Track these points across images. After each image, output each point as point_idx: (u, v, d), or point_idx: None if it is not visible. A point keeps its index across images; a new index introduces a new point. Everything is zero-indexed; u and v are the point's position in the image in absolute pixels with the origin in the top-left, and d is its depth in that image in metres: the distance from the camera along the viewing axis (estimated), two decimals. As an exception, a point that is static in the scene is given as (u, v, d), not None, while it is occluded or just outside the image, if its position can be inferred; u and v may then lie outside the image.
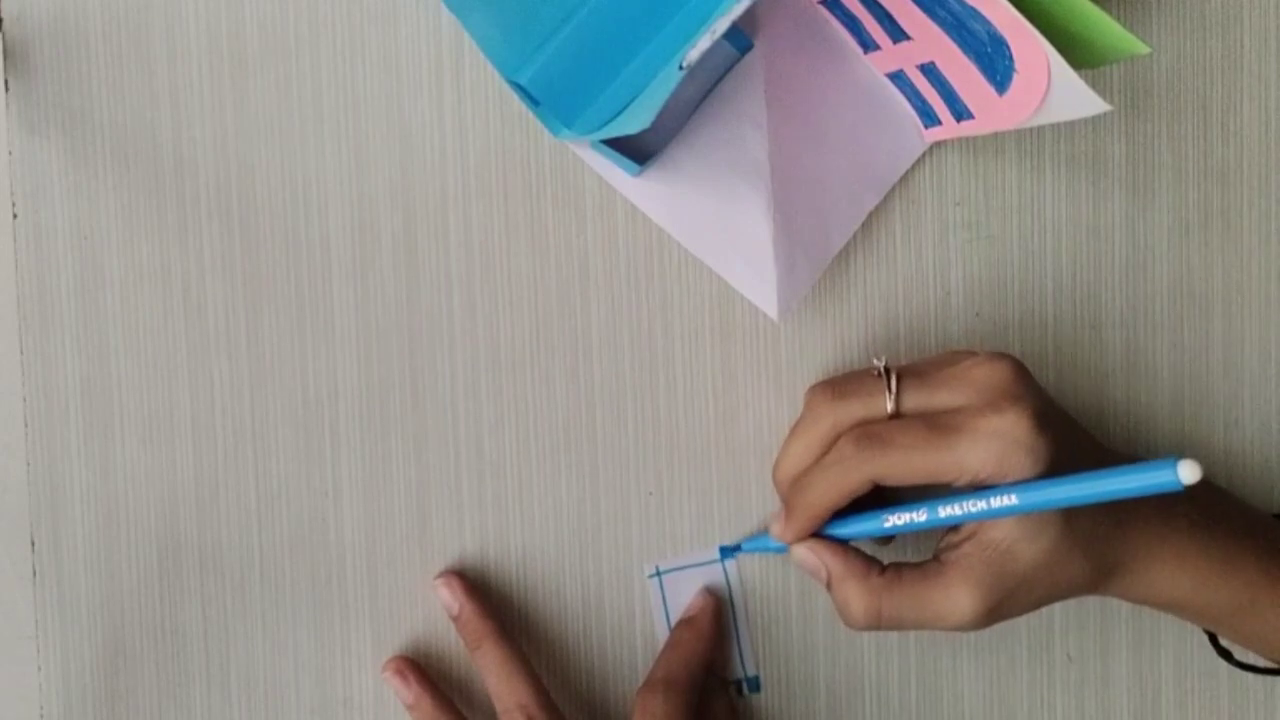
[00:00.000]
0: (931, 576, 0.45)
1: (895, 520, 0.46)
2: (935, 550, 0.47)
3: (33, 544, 0.51)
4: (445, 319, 0.51)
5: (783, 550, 0.50)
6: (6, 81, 0.49)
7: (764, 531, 0.51)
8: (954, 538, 0.46)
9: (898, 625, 0.46)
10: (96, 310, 0.50)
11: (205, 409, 0.51)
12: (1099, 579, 0.47)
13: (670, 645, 0.51)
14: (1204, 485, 0.50)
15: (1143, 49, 0.42)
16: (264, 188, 0.50)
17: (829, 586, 0.47)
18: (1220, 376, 0.54)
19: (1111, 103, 0.52)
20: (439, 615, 0.52)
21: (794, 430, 0.48)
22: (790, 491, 0.48)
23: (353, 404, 0.51)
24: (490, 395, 0.51)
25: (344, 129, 0.50)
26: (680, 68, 0.42)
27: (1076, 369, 0.53)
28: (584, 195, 0.51)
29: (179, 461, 0.51)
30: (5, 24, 0.49)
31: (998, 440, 0.43)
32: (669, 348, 0.52)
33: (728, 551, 0.52)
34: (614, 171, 0.50)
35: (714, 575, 0.53)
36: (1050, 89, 0.42)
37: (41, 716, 0.51)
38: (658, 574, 0.52)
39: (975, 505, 0.44)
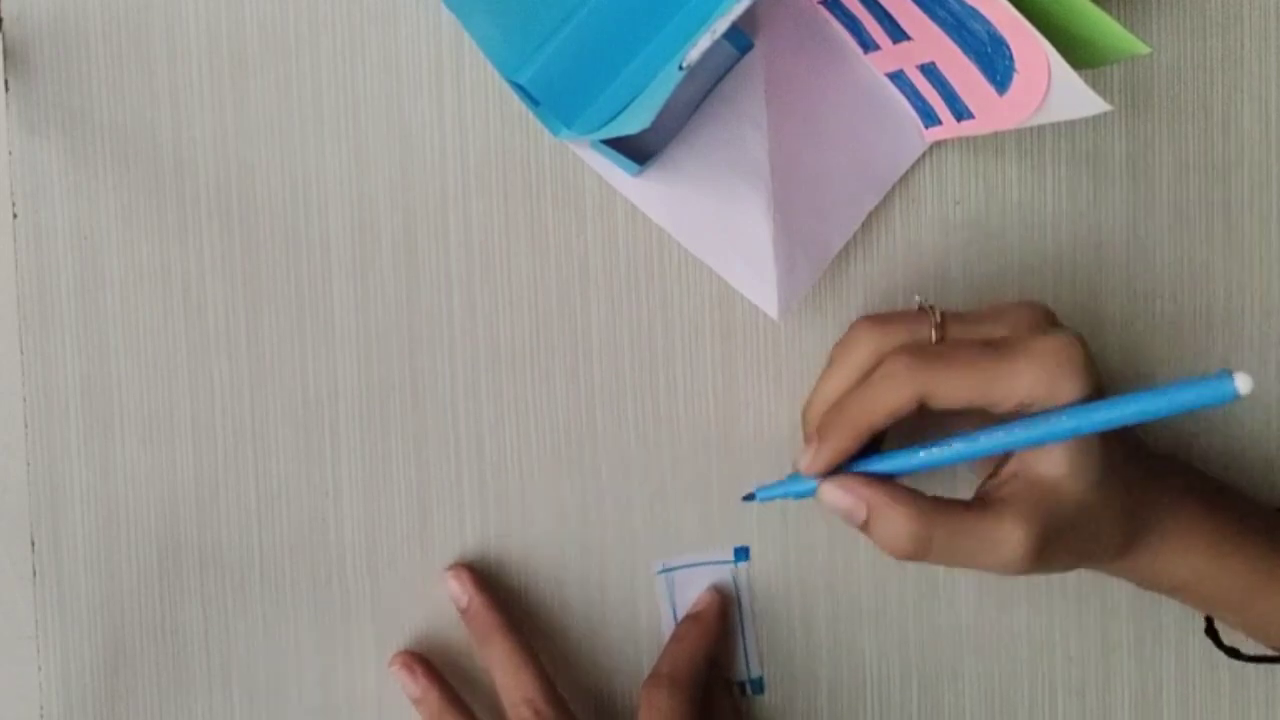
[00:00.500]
0: (980, 511, 0.44)
1: (933, 453, 0.44)
2: (977, 491, 0.45)
3: (33, 544, 0.51)
4: (445, 319, 0.51)
5: (804, 493, 0.46)
6: (6, 81, 0.49)
7: (786, 479, 0.48)
8: (997, 479, 0.45)
9: (947, 557, 0.44)
10: (96, 310, 0.50)
11: (205, 409, 0.51)
12: (1124, 545, 0.46)
13: (675, 639, 0.51)
14: (1208, 476, 0.51)
15: (1143, 49, 0.42)
16: (264, 188, 0.50)
17: (866, 525, 0.44)
18: (1220, 376, 0.54)
19: (1112, 102, 0.52)
20: (440, 614, 0.52)
21: (833, 359, 0.46)
22: (824, 419, 0.45)
23: (353, 404, 0.51)
24: (490, 395, 0.51)
25: (344, 129, 0.50)
26: (680, 68, 0.42)
27: (1076, 369, 0.53)
28: (584, 195, 0.51)
29: (179, 461, 0.51)
30: (5, 24, 0.49)
31: (1051, 358, 0.42)
32: (669, 348, 0.52)
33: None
34: (614, 171, 0.50)
35: (722, 575, 0.53)
36: (1050, 89, 0.42)
37: (41, 716, 0.51)
38: (666, 571, 0.52)
39: (1024, 433, 0.43)
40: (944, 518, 0.43)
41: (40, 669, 0.51)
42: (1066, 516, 0.44)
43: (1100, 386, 0.43)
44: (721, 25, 0.41)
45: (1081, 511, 0.44)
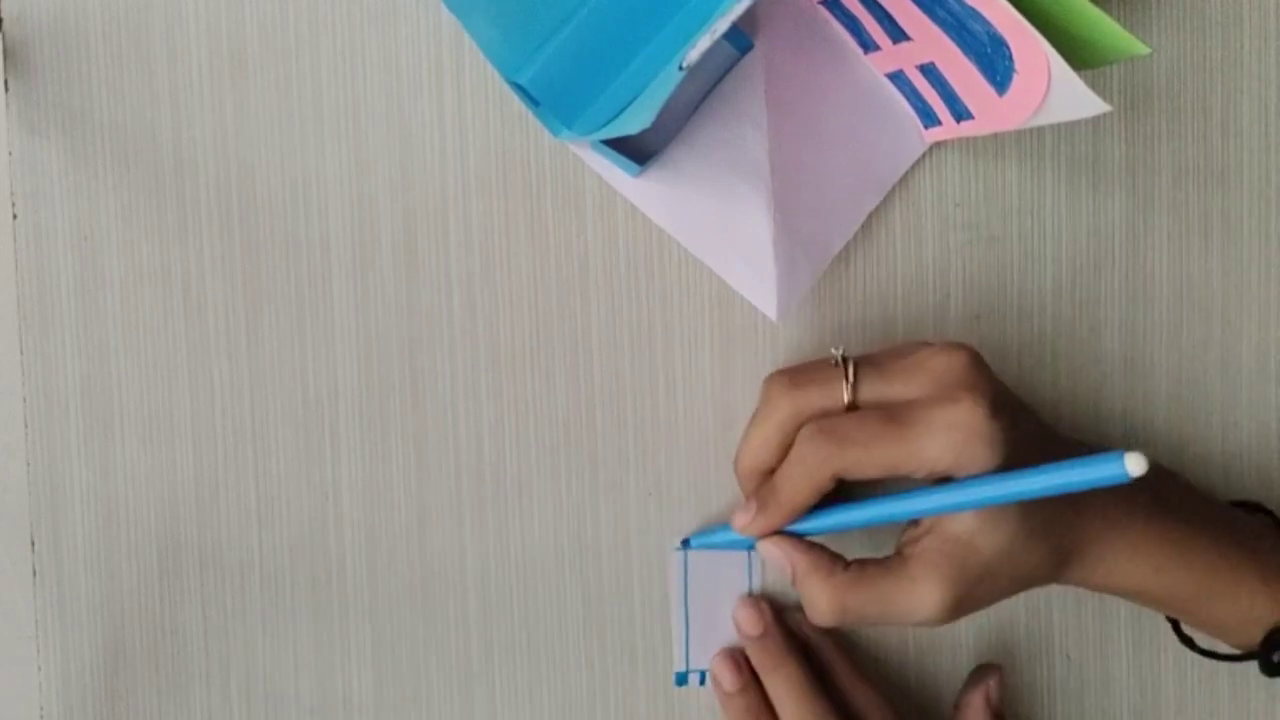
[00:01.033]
0: (895, 571, 0.45)
1: (850, 516, 0.46)
2: (897, 544, 0.47)
3: (33, 544, 0.51)
4: (445, 319, 0.51)
5: (738, 545, 0.50)
6: (6, 81, 0.49)
7: (719, 526, 0.52)
8: (915, 531, 0.46)
9: (862, 621, 0.46)
10: (96, 310, 0.50)
11: (205, 409, 0.51)
12: (1060, 567, 0.47)
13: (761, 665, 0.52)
14: (1160, 473, 0.51)
15: (1143, 50, 0.42)
16: (264, 188, 0.50)
17: (794, 582, 0.47)
18: (1219, 378, 0.54)
19: (1111, 103, 0.52)
20: (440, 614, 0.52)
21: (752, 420, 0.48)
22: (760, 491, 0.48)
23: (353, 404, 0.51)
24: (490, 395, 0.51)
25: (344, 129, 0.50)
26: (680, 68, 0.42)
27: (1075, 369, 0.53)
28: (584, 195, 0.51)
29: (179, 461, 0.51)
30: (5, 24, 0.49)
31: (954, 431, 0.43)
32: (669, 348, 0.52)
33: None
34: (614, 171, 0.50)
35: (738, 561, 0.52)
36: (1050, 89, 0.42)
37: (41, 716, 0.51)
38: (684, 548, 0.52)
39: (931, 500, 0.44)
40: (856, 587, 0.46)
41: (40, 669, 0.51)
42: (982, 567, 0.45)
43: (1007, 447, 0.44)
44: (721, 25, 0.41)
45: (998, 561, 0.45)
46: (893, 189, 0.52)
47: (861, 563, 0.46)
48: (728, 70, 0.49)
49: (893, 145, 0.51)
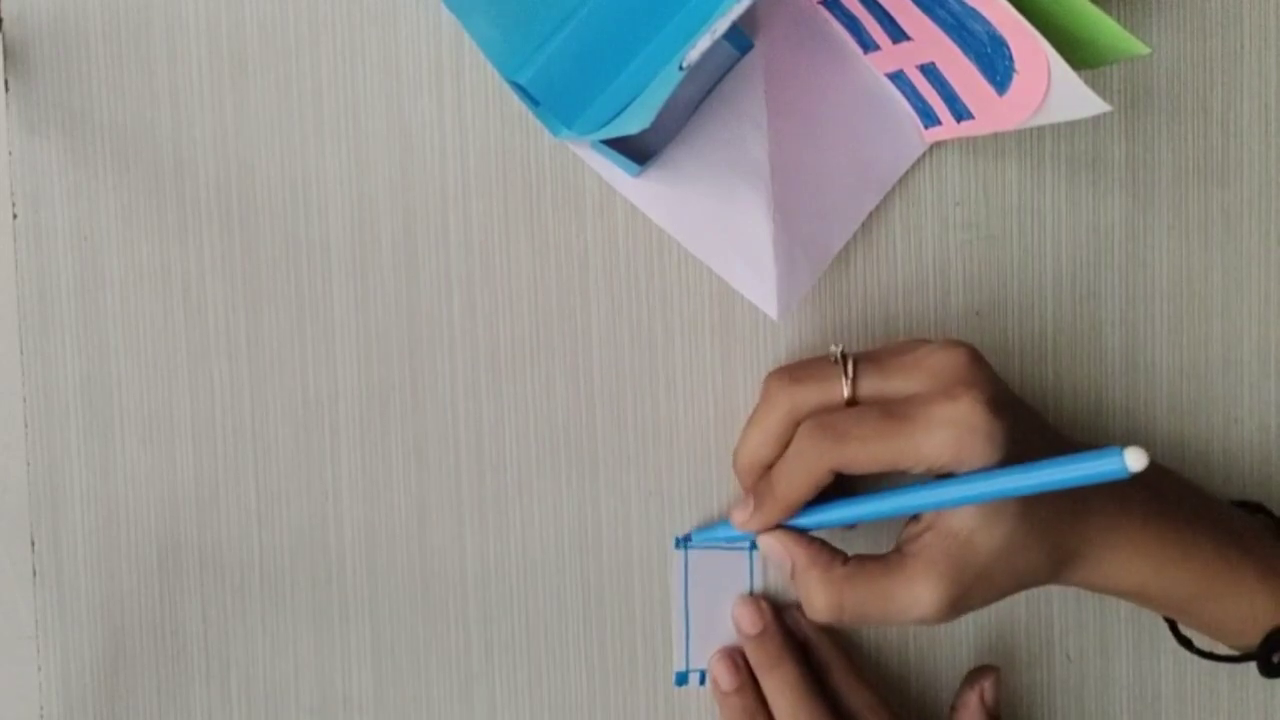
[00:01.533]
0: (893, 568, 0.45)
1: (849, 512, 0.46)
2: (897, 541, 0.47)
3: (33, 544, 0.51)
4: (445, 319, 0.51)
5: (737, 540, 0.51)
6: (6, 81, 0.49)
7: (719, 522, 0.52)
8: (914, 529, 0.46)
9: (860, 619, 0.46)
10: (96, 310, 0.50)
11: (205, 409, 0.51)
12: (1059, 567, 0.47)
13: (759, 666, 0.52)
14: (1160, 472, 0.51)
15: (1143, 49, 0.42)
16: (264, 188, 0.50)
17: (793, 577, 0.47)
18: (1219, 375, 0.54)
19: (1111, 103, 0.52)
20: (440, 614, 0.52)
21: (752, 417, 0.48)
22: (758, 486, 0.48)
23: (353, 404, 0.51)
24: (490, 395, 0.51)
25: (344, 129, 0.50)
26: (680, 68, 0.42)
27: (1075, 368, 0.54)
28: (584, 195, 0.51)
29: (179, 461, 0.51)
30: (5, 24, 0.49)
31: (953, 427, 0.43)
32: (669, 347, 0.52)
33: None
34: (614, 171, 0.50)
35: (738, 558, 0.52)
36: (1050, 89, 0.42)
37: (41, 716, 0.51)
38: (684, 546, 0.52)
39: (930, 496, 0.44)
40: (854, 584, 0.46)
41: (40, 669, 0.51)
42: (981, 565, 0.45)
43: (1006, 443, 0.44)
44: (721, 25, 0.41)
45: (997, 559, 0.45)
46: (893, 189, 0.52)
47: (860, 559, 0.46)
48: (728, 70, 0.49)
49: (893, 145, 0.51)
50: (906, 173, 0.52)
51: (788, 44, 0.50)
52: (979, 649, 0.54)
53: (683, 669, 0.53)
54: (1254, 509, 0.53)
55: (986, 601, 0.46)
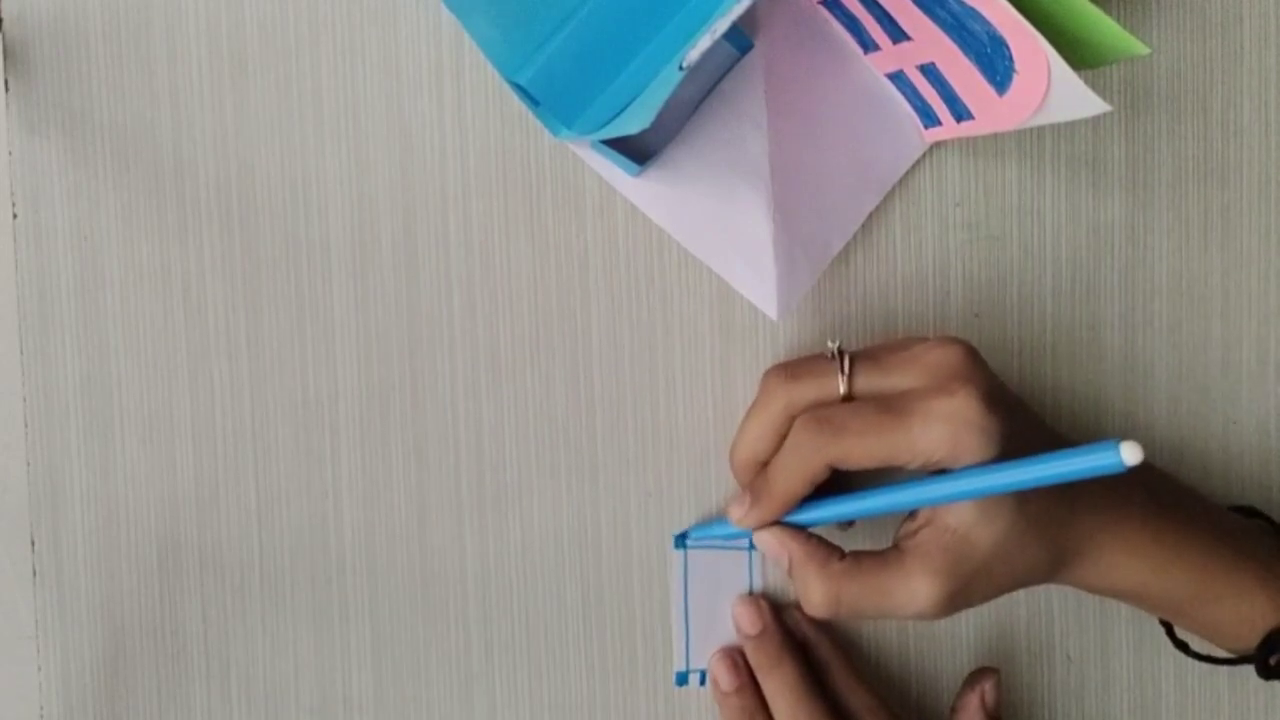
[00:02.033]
0: (890, 564, 0.45)
1: (846, 508, 0.46)
2: (894, 537, 0.47)
3: (33, 544, 0.51)
4: (445, 319, 0.51)
5: (735, 537, 0.51)
6: (6, 81, 0.49)
7: (716, 520, 0.52)
8: (911, 525, 0.46)
9: (857, 613, 0.46)
10: (96, 310, 0.50)
11: (205, 409, 0.51)
12: (1056, 565, 0.47)
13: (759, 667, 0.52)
14: (1158, 475, 0.51)
15: (1143, 49, 0.42)
16: (264, 188, 0.50)
17: (790, 573, 0.47)
18: (1219, 376, 0.54)
19: (1111, 103, 0.52)
20: (440, 614, 0.52)
21: (749, 412, 0.48)
22: (754, 481, 0.48)
23: (353, 404, 0.51)
24: (490, 395, 0.51)
25: (344, 129, 0.50)
26: (680, 68, 0.42)
27: (1075, 368, 0.54)
28: (584, 195, 0.51)
29: (179, 461, 0.51)
30: (5, 24, 0.49)
31: (949, 422, 0.43)
32: (669, 347, 0.52)
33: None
34: (614, 171, 0.50)
35: (737, 558, 0.52)
36: (1050, 89, 0.42)
37: (41, 716, 0.51)
38: (684, 546, 0.52)
39: (926, 491, 0.44)
40: (851, 578, 0.46)
41: (40, 669, 0.51)
42: (978, 561, 0.45)
43: (1002, 439, 0.44)
44: (721, 25, 0.41)
45: (994, 555, 0.45)
46: (893, 189, 0.52)
47: (857, 554, 0.46)
48: (728, 70, 0.49)
49: (893, 145, 0.51)
50: (906, 173, 0.52)
51: (788, 44, 0.50)
52: (979, 650, 0.54)
53: (683, 669, 0.53)
54: (1250, 513, 0.53)
55: (984, 598, 0.46)
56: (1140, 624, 0.54)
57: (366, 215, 0.51)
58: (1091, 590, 0.49)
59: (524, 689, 0.52)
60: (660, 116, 0.42)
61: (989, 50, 0.43)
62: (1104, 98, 0.40)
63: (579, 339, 0.52)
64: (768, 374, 0.48)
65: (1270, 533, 0.52)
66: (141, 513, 0.51)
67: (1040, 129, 0.53)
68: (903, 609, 0.45)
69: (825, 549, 0.47)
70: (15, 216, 0.50)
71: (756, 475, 0.48)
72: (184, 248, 0.50)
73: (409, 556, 0.52)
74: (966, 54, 0.44)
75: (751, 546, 0.52)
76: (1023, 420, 0.47)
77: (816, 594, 0.46)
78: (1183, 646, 0.52)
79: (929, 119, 0.50)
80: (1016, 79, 0.43)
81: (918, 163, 0.52)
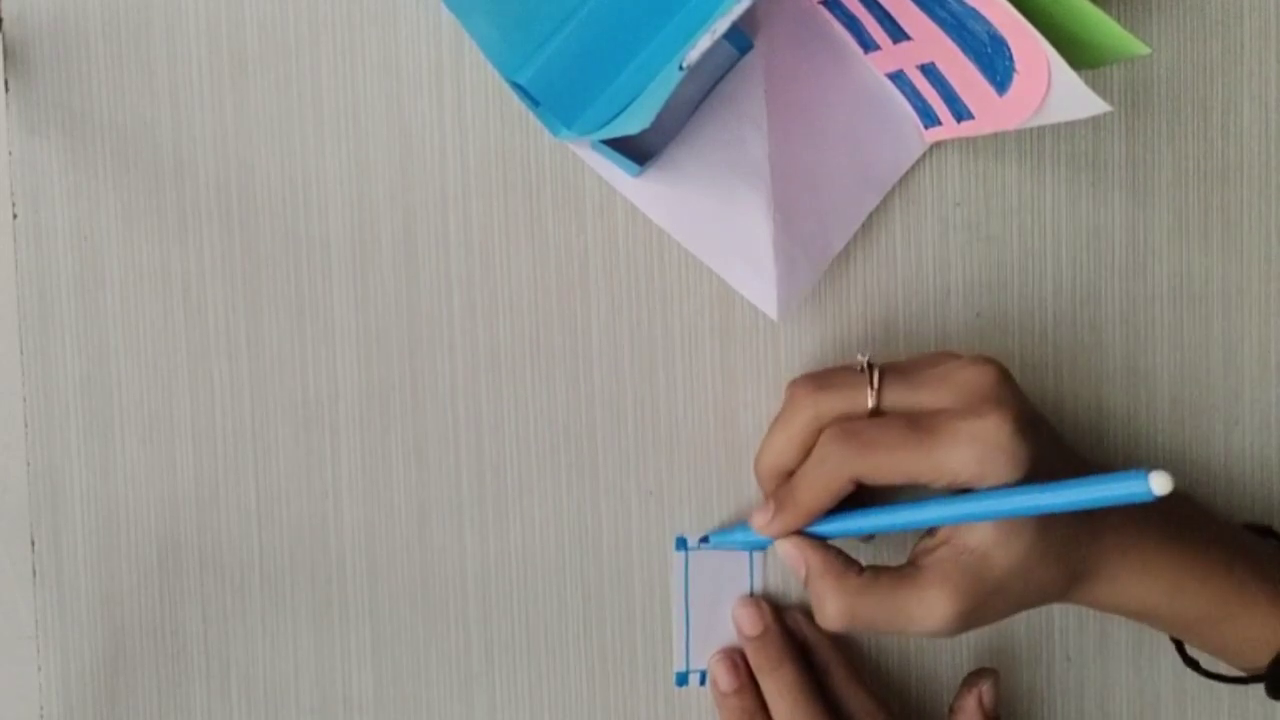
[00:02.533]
0: (907, 580, 0.45)
1: (869, 521, 0.46)
2: (911, 554, 0.47)
3: (33, 544, 0.51)
4: (445, 319, 0.51)
5: (754, 545, 0.51)
6: (6, 81, 0.49)
7: (737, 525, 0.52)
8: (930, 542, 0.46)
9: (871, 628, 0.46)
10: (96, 310, 0.50)
11: (205, 409, 0.51)
12: (1072, 586, 0.47)
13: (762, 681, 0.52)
14: (1174, 494, 0.50)
15: (1143, 49, 0.42)
16: (264, 188, 0.50)
17: (806, 583, 0.47)
18: (1220, 377, 0.54)
19: (1111, 103, 0.52)
20: (440, 614, 0.52)
21: (775, 422, 0.48)
22: (779, 491, 0.48)
23: (353, 404, 0.51)
24: (490, 396, 0.51)
25: (344, 129, 0.50)
26: (680, 68, 0.42)
27: (1076, 369, 0.53)
28: (584, 195, 0.51)
29: (179, 461, 0.51)
30: (5, 24, 0.49)
31: (978, 444, 0.43)
32: (669, 348, 0.52)
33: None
34: (614, 171, 0.50)
35: (738, 560, 0.52)
36: (1050, 89, 0.42)
37: (41, 716, 0.51)
38: (701, 546, 0.52)
39: (950, 509, 0.44)
40: (867, 593, 0.45)
41: (40, 669, 0.51)
42: (996, 581, 0.45)
43: (1030, 463, 0.44)
44: (721, 25, 0.41)
45: (1012, 575, 0.45)
46: (893, 189, 0.52)
47: (875, 569, 0.46)
48: (728, 70, 0.49)
49: (893, 145, 0.51)
50: (906, 173, 0.52)
51: (788, 44, 0.50)
52: (978, 651, 0.54)
53: (683, 669, 0.53)
54: (1263, 532, 0.53)
55: (998, 617, 0.46)
56: (1140, 626, 0.54)
57: (366, 215, 0.51)
58: (1103, 609, 0.49)
59: (524, 689, 0.52)
60: (660, 116, 0.42)
61: (989, 50, 0.43)
62: (1104, 98, 0.40)
63: (579, 339, 0.52)
64: (795, 384, 0.48)
65: None
66: (141, 513, 0.51)
67: (1040, 129, 0.53)
68: (916, 626, 0.45)
69: (843, 562, 0.47)
70: (15, 216, 0.50)
71: (781, 484, 0.48)
72: (184, 248, 0.50)
73: (409, 556, 0.52)
74: (966, 54, 0.44)
75: (759, 548, 0.52)
76: (1050, 444, 0.47)
77: (831, 607, 0.46)
78: (1193, 664, 0.52)
79: (929, 119, 0.50)
80: (1016, 79, 0.43)
81: (918, 163, 0.52)
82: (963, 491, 0.44)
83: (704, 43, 0.42)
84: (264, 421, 0.51)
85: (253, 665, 0.52)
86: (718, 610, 0.53)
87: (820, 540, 0.47)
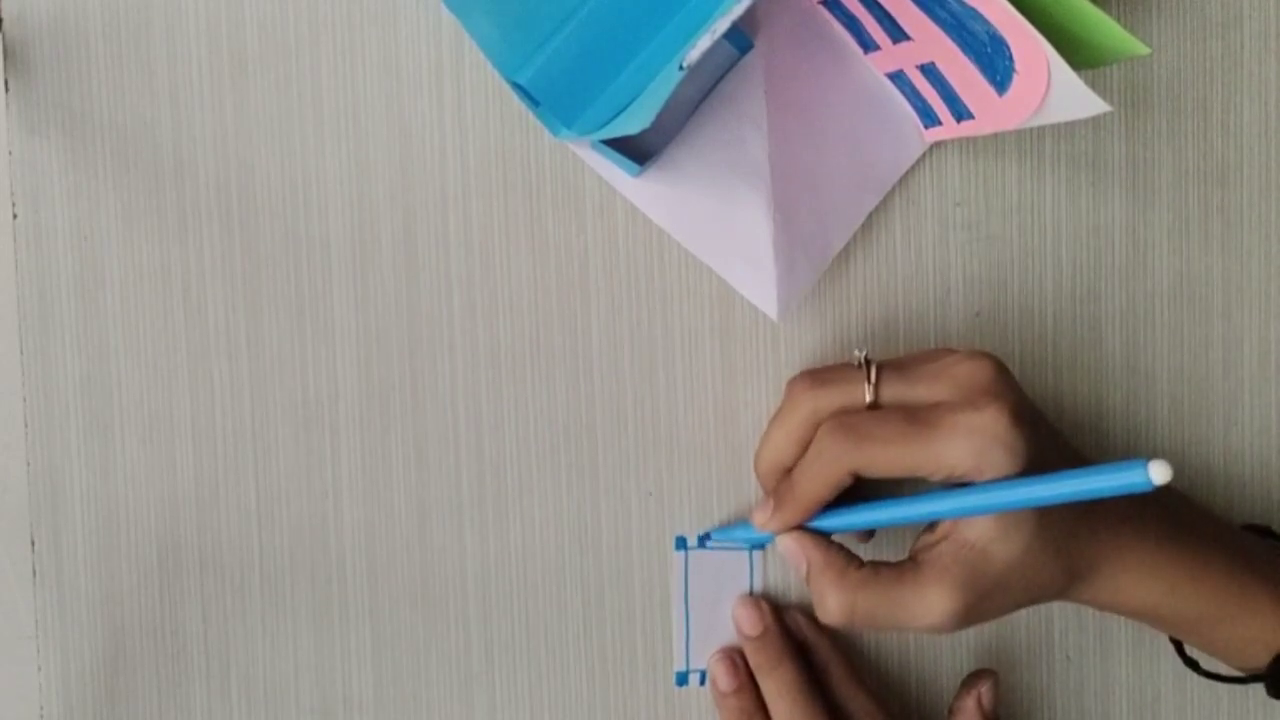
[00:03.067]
0: (907, 576, 0.45)
1: (869, 516, 0.46)
2: (911, 549, 0.47)
3: (33, 544, 0.51)
4: (445, 319, 0.51)
5: (755, 542, 0.51)
6: (6, 81, 0.49)
7: (738, 523, 0.52)
8: (930, 537, 0.46)
9: (871, 623, 0.46)
10: (96, 310, 0.50)
11: (205, 409, 0.51)
12: (1072, 582, 0.47)
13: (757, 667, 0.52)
14: (1174, 494, 0.51)
15: (1143, 50, 0.42)
16: (264, 188, 0.50)
17: (807, 579, 0.47)
18: (1220, 376, 0.54)
19: (1111, 103, 0.52)
20: (440, 614, 0.52)
21: (774, 419, 0.48)
22: (778, 486, 0.48)
23: (353, 404, 0.51)
24: (490, 396, 0.51)
25: (344, 129, 0.50)
26: (680, 68, 0.42)
27: (1076, 369, 0.54)
28: (584, 195, 0.51)
29: (179, 461, 0.51)
30: (5, 24, 0.49)
31: (976, 436, 0.43)
32: (669, 348, 0.52)
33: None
34: (614, 171, 0.50)
35: (738, 559, 0.52)
36: (1050, 89, 0.42)
37: (41, 716, 0.51)
38: (685, 547, 0.52)
39: (949, 503, 0.44)
40: (867, 588, 0.45)
41: (40, 669, 0.51)
42: (995, 577, 0.45)
43: (1027, 456, 0.44)
44: (721, 25, 0.41)
45: (1012, 570, 0.45)
46: (893, 189, 0.52)
47: (875, 564, 0.46)
48: (728, 70, 0.49)
49: (893, 145, 0.51)
50: (906, 173, 0.52)
51: (788, 44, 0.50)
52: (978, 650, 0.54)
53: (683, 669, 0.53)
54: (1263, 532, 0.53)
55: (999, 613, 0.46)
56: (1139, 625, 0.54)
57: (366, 215, 0.51)
58: (1103, 608, 0.49)
59: (524, 689, 0.52)
60: (660, 116, 0.42)
61: (989, 50, 0.43)
62: (1104, 98, 0.40)
63: (579, 339, 0.52)
64: (793, 380, 0.48)
65: None
66: (141, 513, 0.51)
67: (1040, 129, 0.53)
68: (917, 621, 0.45)
69: (844, 557, 0.47)
70: (15, 216, 0.50)
71: (780, 481, 0.48)
72: (184, 248, 0.50)
73: (409, 556, 0.52)
74: (966, 54, 0.44)
75: (759, 546, 0.52)
76: (1047, 438, 0.47)
77: (832, 602, 0.46)
78: (1192, 664, 0.52)
79: (929, 119, 0.50)
80: (1016, 79, 0.43)
81: (918, 163, 0.52)
82: (961, 485, 0.44)
83: (704, 43, 0.42)
84: (264, 421, 0.51)
85: (253, 665, 0.52)
86: (717, 610, 0.53)
87: (821, 536, 0.47)
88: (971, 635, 0.54)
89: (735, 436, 0.52)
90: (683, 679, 0.53)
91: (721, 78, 0.49)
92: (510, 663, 0.52)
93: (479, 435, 0.52)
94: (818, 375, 0.47)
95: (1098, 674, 0.54)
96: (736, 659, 0.52)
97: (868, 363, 0.46)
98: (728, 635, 0.52)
